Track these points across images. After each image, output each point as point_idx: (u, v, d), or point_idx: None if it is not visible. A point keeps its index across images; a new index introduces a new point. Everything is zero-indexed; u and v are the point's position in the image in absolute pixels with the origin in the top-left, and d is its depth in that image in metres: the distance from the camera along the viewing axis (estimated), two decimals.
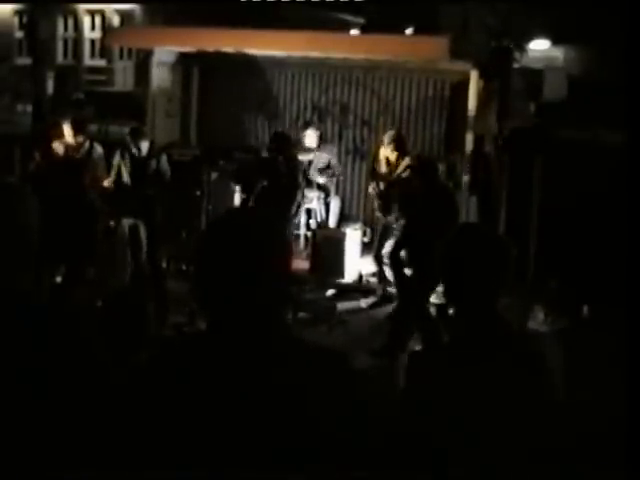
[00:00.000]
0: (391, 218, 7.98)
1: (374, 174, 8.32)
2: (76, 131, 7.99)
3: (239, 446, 1.77)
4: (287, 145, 7.81)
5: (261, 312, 1.84)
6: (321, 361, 1.88)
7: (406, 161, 7.93)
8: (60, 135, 7.98)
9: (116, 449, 1.86)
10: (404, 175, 7.83)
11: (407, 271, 7.99)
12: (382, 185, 8.04)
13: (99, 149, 8.16)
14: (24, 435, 1.84)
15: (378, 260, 8.13)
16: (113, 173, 7.86)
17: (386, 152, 8.09)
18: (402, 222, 7.76)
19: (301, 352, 1.87)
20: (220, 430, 1.78)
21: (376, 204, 8.30)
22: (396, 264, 7.79)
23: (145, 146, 7.74)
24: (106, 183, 8.01)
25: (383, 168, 8.11)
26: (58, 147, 7.98)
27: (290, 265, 1.93)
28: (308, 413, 1.79)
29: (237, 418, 1.78)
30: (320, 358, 1.89)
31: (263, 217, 1.94)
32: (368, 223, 9.76)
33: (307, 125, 10.02)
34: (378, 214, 8.33)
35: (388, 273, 8.03)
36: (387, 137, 8.23)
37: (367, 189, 8.83)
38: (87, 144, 8.15)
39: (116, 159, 7.88)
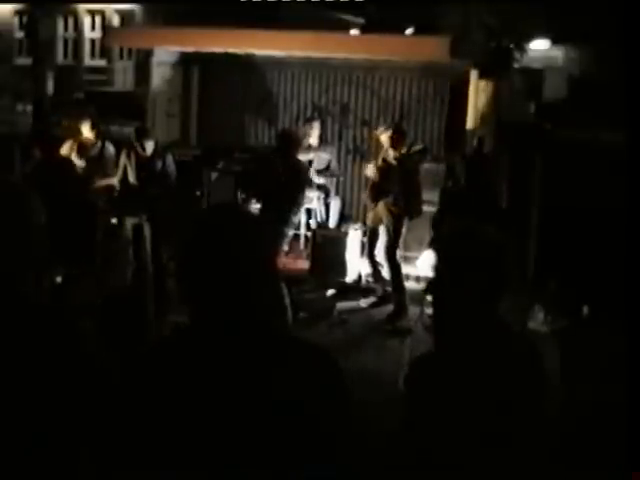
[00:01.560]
0: (378, 208, 7.86)
1: (377, 151, 8.12)
2: (94, 128, 8.14)
3: (225, 443, 1.78)
4: (295, 143, 7.76)
5: (244, 309, 1.84)
6: (305, 357, 1.89)
7: (416, 147, 7.89)
8: (76, 133, 8.11)
9: (113, 448, 1.87)
10: (415, 158, 7.76)
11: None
12: (381, 161, 7.86)
13: (111, 148, 8.21)
14: (24, 434, 1.84)
15: (372, 261, 8.13)
16: (119, 173, 7.88)
17: (386, 136, 7.84)
18: (387, 220, 7.73)
19: (286, 349, 1.88)
20: (206, 427, 1.79)
21: (368, 190, 8.17)
22: (393, 267, 7.80)
23: (150, 146, 7.75)
24: (104, 182, 8.05)
25: (390, 151, 7.86)
26: (72, 145, 8.09)
27: (275, 261, 1.95)
28: (291, 408, 1.80)
29: (220, 415, 1.78)
30: (304, 354, 1.90)
31: (246, 214, 1.95)
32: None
33: (311, 119, 10.02)
34: (368, 201, 8.21)
35: (384, 273, 8.04)
36: (384, 126, 8.14)
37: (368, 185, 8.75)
38: (99, 143, 8.22)
39: (122, 159, 7.91)
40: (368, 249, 8.14)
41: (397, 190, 7.65)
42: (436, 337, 2.36)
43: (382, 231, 7.89)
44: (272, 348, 1.86)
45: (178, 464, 1.78)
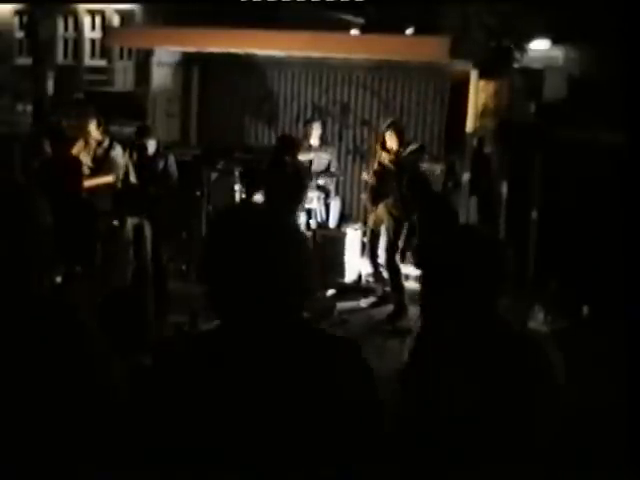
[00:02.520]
0: (379, 211, 7.87)
1: (377, 157, 8.08)
2: (100, 128, 8.16)
3: (259, 442, 1.78)
4: (294, 147, 7.76)
5: (275, 306, 1.84)
6: (336, 350, 1.89)
7: (412, 147, 7.89)
8: (85, 132, 8.12)
9: (122, 448, 1.86)
10: (411, 158, 7.75)
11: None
12: (377, 165, 7.87)
13: (118, 148, 8.20)
14: (26, 434, 1.84)
15: (374, 262, 8.12)
16: (121, 172, 7.88)
17: (386, 137, 7.85)
18: (388, 222, 7.73)
19: (316, 343, 1.89)
20: (238, 427, 1.78)
21: (367, 193, 8.18)
22: (392, 269, 7.80)
23: (152, 145, 7.73)
24: (99, 180, 8.06)
25: (384, 155, 7.89)
26: (80, 145, 8.11)
27: (304, 255, 1.92)
28: (325, 403, 1.80)
29: (256, 414, 1.78)
30: (335, 347, 1.90)
31: (272, 212, 1.94)
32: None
33: (311, 120, 10.02)
34: (368, 204, 8.23)
35: (385, 274, 8.04)
36: (385, 123, 8.11)
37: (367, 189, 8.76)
38: (107, 142, 8.22)
39: (124, 158, 7.91)
40: (370, 250, 8.14)
41: (396, 192, 7.65)
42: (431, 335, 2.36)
43: (383, 232, 7.89)
44: (307, 343, 1.86)
45: (217, 459, 1.79)
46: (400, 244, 7.85)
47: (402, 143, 7.75)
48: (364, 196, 8.42)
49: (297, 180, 7.65)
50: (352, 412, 1.83)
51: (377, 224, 7.96)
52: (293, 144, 7.81)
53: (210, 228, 1.92)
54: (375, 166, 7.88)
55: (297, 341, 1.85)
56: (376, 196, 7.88)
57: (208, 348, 1.87)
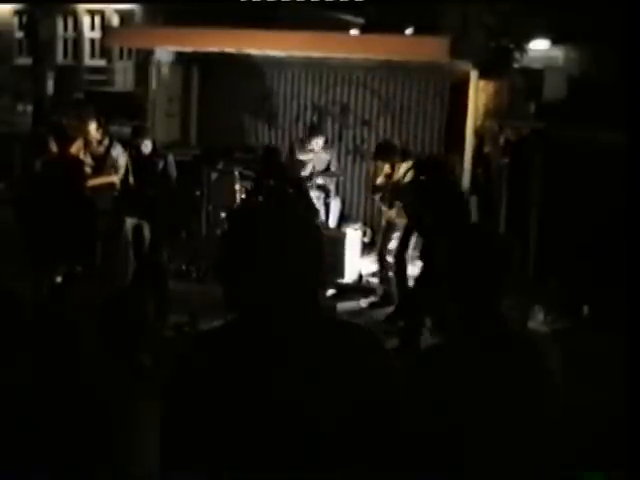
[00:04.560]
0: (392, 212, 7.95)
1: (374, 188, 8.25)
2: (100, 127, 8.14)
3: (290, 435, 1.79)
4: (279, 162, 7.71)
5: (293, 299, 1.87)
6: (355, 340, 1.93)
7: (406, 165, 7.90)
8: (85, 131, 8.11)
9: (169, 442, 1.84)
10: (406, 179, 7.80)
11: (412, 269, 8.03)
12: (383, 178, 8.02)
13: (119, 147, 8.19)
14: (24, 434, 1.84)
15: (381, 259, 8.11)
16: (121, 172, 7.88)
17: (378, 164, 8.02)
18: (403, 220, 7.76)
19: (335, 331, 1.92)
20: (269, 419, 1.79)
21: (381, 196, 8.28)
22: (400, 267, 7.79)
23: (148, 145, 7.73)
24: (100, 180, 8.04)
25: (380, 179, 8.08)
26: (79, 144, 8.10)
27: (318, 248, 1.95)
28: (351, 393, 1.82)
29: (284, 407, 1.79)
30: (354, 337, 1.93)
31: (284, 209, 1.97)
32: (368, 223, 9.76)
33: (312, 131, 9.94)
34: (382, 207, 8.28)
35: (390, 274, 8.02)
36: (375, 151, 8.15)
37: (367, 189, 8.77)
38: (107, 141, 8.22)
39: (125, 158, 7.91)
40: (381, 244, 8.12)
41: (409, 195, 7.69)
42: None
43: (399, 228, 7.91)
44: (327, 332, 1.90)
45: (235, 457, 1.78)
46: (411, 244, 7.83)
47: (394, 161, 7.83)
48: (377, 197, 8.36)
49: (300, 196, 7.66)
50: (377, 398, 1.85)
51: (392, 219, 7.99)
52: (279, 158, 7.78)
53: (226, 229, 1.94)
54: (381, 178, 7.99)
55: (319, 330, 1.88)
56: (390, 199, 7.95)
57: (233, 344, 1.88)
